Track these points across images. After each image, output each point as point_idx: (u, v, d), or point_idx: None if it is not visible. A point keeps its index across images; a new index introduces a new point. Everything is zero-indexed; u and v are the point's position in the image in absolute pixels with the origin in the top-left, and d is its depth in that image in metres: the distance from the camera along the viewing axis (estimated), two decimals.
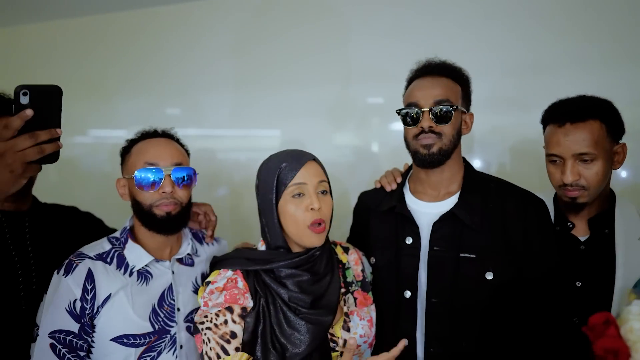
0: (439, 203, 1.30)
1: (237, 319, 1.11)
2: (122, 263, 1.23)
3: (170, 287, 1.26)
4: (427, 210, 1.31)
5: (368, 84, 2.25)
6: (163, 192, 1.20)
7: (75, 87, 2.57)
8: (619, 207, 1.36)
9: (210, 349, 1.08)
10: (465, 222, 1.24)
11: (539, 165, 1.45)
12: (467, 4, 2.07)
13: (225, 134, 2.53)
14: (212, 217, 1.46)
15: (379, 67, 2.20)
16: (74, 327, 1.14)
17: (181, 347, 1.24)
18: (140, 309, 1.20)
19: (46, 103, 0.88)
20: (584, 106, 1.30)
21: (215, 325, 1.10)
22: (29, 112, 0.84)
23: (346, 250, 1.34)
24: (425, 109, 1.25)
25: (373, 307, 1.28)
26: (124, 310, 1.18)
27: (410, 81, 1.36)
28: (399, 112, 1.31)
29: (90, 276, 1.17)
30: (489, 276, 1.20)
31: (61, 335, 1.13)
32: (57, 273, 1.19)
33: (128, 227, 1.29)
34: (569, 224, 1.38)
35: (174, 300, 1.25)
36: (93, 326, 1.16)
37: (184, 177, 1.24)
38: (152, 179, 1.20)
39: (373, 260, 1.36)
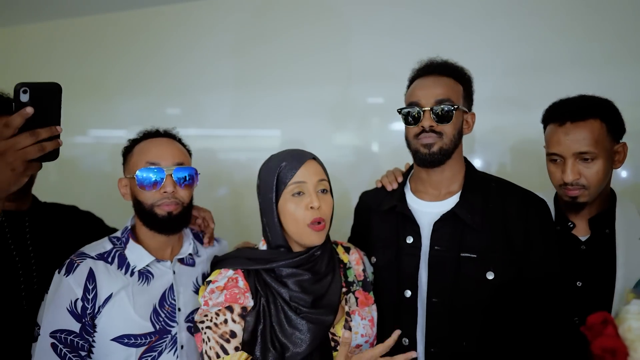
0: (440, 202, 1.30)
1: (237, 318, 1.11)
2: (123, 263, 1.23)
3: (171, 287, 1.26)
4: (428, 210, 1.31)
5: (368, 84, 2.25)
6: (164, 192, 1.20)
7: (75, 87, 2.57)
8: (619, 207, 1.36)
9: (210, 348, 1.09)
10: (466, 222, 1.24)
11: (540, 165, 1.45)
12: (467, 4, 2.07)
13: (225, 134, 2.53)
14: (211, 224, 1.45)
15: (379, 67, 2.20)
16: (75, 326, 1.14)
17: (182, 347, 1.24)
18: (141, 309, 1.20)
19: (46, 100, 0.87)
20: (585, 105, 1.30)
21: (215, 324, 1.10)
22: (30, 110, 0.84)
23: (347, 250, 1.34)
24: (426, 108, 1.25)
25: (374, 307, 1.28)
26: (125, 310, 1.18)
27: (412, 80, 1.36)
28: (400, 111, 1.31)
29: (91, 276, 1.17)
30: (490, 276, 1.21)
31: (62, 335, 1.13)
32: (59, 272, 1.19)
33: (129, 227, 1.29)
34: (569, 223, 1.38)
35: (174, 300, 1.25)
36: (94, 326, 1.16)
37: (185, 177, 1.24)
38: (153, 179, 1.20)
39: (374, 259, 1.36)
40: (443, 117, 1.24)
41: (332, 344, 1.15)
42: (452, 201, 1.29)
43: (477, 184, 1.31)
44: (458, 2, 2.08)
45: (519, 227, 1.23)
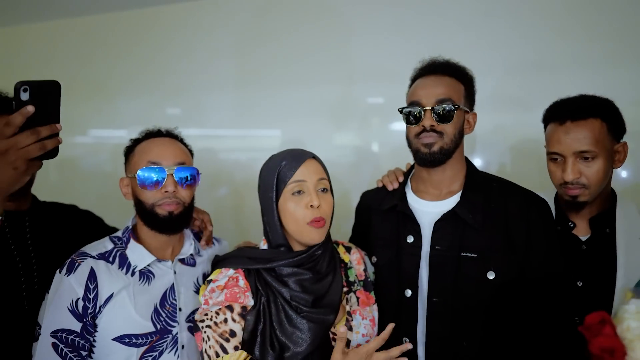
0: (441, 202, 1.30)
1: (237, 317, 1.11)
2: (124, 263, 1.23)
3: (172, 287, 1.26)
4: (428, 209, 1.31)
5: (369, 84, 2.25)
6: (165, 192, 1.20)
7: (76, 86, 2.57)
8: (620, 207, 1.36)
9: (210, 347, 1.09)
10: (467, 222, 1.24)
11: (540, 165, 1.46)
12: (468, 3, 2.07)
13: (226, 134, 2.53)
14: (209, 226, 1.44)
15: (379, 67, 2.20)
16: (76, 326, 1.14)
17: (183, 347, 1.24)
18: (142, 308, 1.19)
19: (46, 98, 0.87)
20: (585, 105, 1.30)
21: (215, 323, 1.10)
22: (31, 109, 0.84)
23: (348, 249, 1.34)
24: (427, 108, 1.25)
25: (375, 306, 1.28)
26: (126, 309, 1.18)
27: (413, 80, 1.36)
28: (401, 110, 1.31)
29: (92, 275, 1.17)
30: (491, 276, 1.20)
31: (63, 335, 1.13)
32: (60, 272, 1.18)
33: (130, 227, 1.29)
34: (570, 223, 1.38)
35: (175, 300, 1.25)
36: (95, 325, 1.16)
37: (187, 176, 1.24)
38: (155, 178, 1.20)
39: (374, 259, 1.36)
40: (444, 117, 1.24)
41: (333, 343, 1.15)
42: (453, 201, 1.29)
43: (478, 183, 1.31)
44: (459, 2, 2.08)
45: (520, 227, 1.23)
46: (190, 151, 1.33)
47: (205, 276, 1.33)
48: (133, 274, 1.22)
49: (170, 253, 1.30)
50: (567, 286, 1.27)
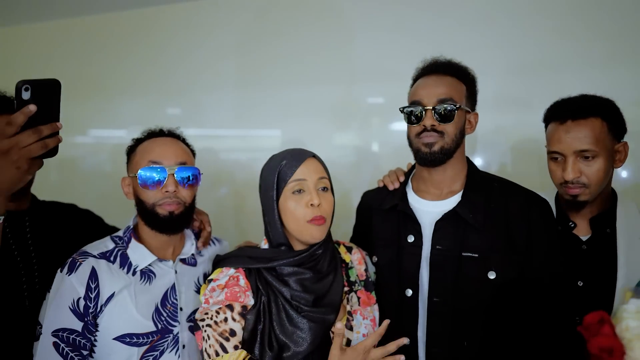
0: (442, 202, 1.30)
1: (237, 317, 1.11)
2: (125, 262, 1.23)
3: (173, 287, 1.26)
4: (429, 209, 1.31)
5: (369, 84, 2.25)
6: (166, 192, 1.20)
7: (76, 86, 2.57)
8: (620, 207, 1.36)
9: (210, 346, 1.09)
10: (468, 221, 1.24)
11: (541, 165, 1.46)
12: (469, 3, 2.07)
13: (226, 134, 2.53)
14: (208, 227, 1.43)
15: (380, 67, 2.20)
16: (78, 325, 1.14)
17: (183, 346, 1.24)
18: (143, 308, 1.19)
19: (47, 97, 0.87)
20: (586, 104, 1.31)
21: (215, 322, 1.10)
22: (33, 108, 0.83)
23: (349, 249, 1.34)
24: (428, 107, 1.25)
25: (376, 306, 1.28)
26: (127, 309, 1.18)
27: (415, 79, 1.36)
28: (402, 109, 1.31)
29: (94, 274, 1.17)
30: (492, 276, 1.20)
31: (64, 334, 1.13)
32: (61, 271, 1.18)
33: (131, 227, 1.29)
34: (570, 223, 1.38)
35: (176, 300, 1.25)
36: (96, 325, 1.16)
37: (188, 176, 1.24)
38: (155, 178, 1.20)
39: (375, 258, 1.36)
40: (445, 117, 1.24)
41: None
42: (454, 200, 1.29)
43: (479, 183, 1.31)
44: (460, 2, 2.08)
45: (521, 227, 1.23)
46: (193, 151, 1.33)
47: (206, 276, 1.33)
48: (134, 273, 1.22)
49: (172, 253, 1.30)
50: (567, 286, 1.27)
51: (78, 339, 1.14)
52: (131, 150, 1.28)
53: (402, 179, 1.42)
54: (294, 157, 1.18)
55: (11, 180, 0.86)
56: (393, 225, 1.35)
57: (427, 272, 1.26)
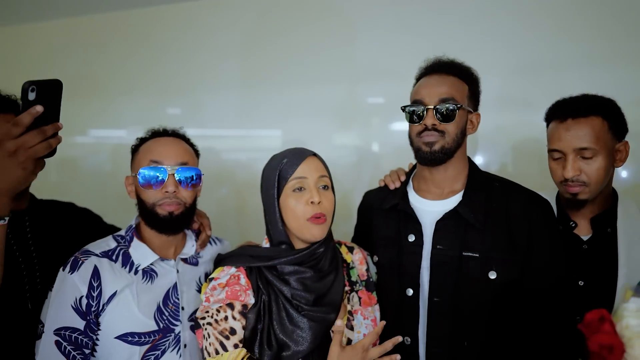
0: (443, 201, 1.30)
1: (237, 315, 1.11)
2: (127, 261, 1.23)
3: (174, 286, 1.26)
4: (430, 209, 1.31)
5: (370, 84, 2.25)
6: (166, 192, 1.20)
7: (77, 86, 2.57)
8: (621, 206, 1.36)
9: (210, 345, 1.09)
10: (469, 221, 1.24)
11: (541, 165, 1.46)
12: (470, 3, 2.07)
13: (227, 134, 2.54)
14: (208, 231, 1.42)
15: (381, 67, 2.21)
16: (80, 324, 1.14)
17: (185, 346, 1.24)
18: (145, 307, 1.19)
19: (50, 98, 0.88)
20: (587, 103, 1.31)
21: (216, 320, 1.10)
22: (40, 109, 0.84)
23: (351, 249, 1.34)
24: (429, 107, 1.25)
25: (377, 307, 1.28)
26: (129, 308, 1.18)
27: (418, 79, 1.36)
28: (404, 108, 1.31)
29: (96, 273, 1.17)
30: (492, 275, 1.20)
31: (67, 333, 1.13)
32: (63, 270, 1.18)
33: (133, 226, 1.29)
34: (571, 223, 1.38)
35: (178, 299, 1.25)
36: (98, 324, 1.16)
37: (192, 176, 1.23)
38: (156, 178, 1.20)
39: (376, 258, 1.36)
40: (446, 116, 1.24)
41: None
42: (454, 200, 1.29)
43: (480, 183, 1.31)
44: (461, 2, 2.09)
45: (522, 227, 1.23)
46: (197, 152, 1.33)
47: (207, 275, 1.33)
48: (136, 272, 1.22)
49: (173, 252, 1.30)
50: (568, 286, 1.27)
51: (80, 337, 1.14)
52: (135, 150, 1.28)
53: (403, 178, 1.42)
54: (295, 156, 1.18)
55: (17, 181, 0.87)
56: (394, 224, 1.35)
57: (428, 272, 1.26)
